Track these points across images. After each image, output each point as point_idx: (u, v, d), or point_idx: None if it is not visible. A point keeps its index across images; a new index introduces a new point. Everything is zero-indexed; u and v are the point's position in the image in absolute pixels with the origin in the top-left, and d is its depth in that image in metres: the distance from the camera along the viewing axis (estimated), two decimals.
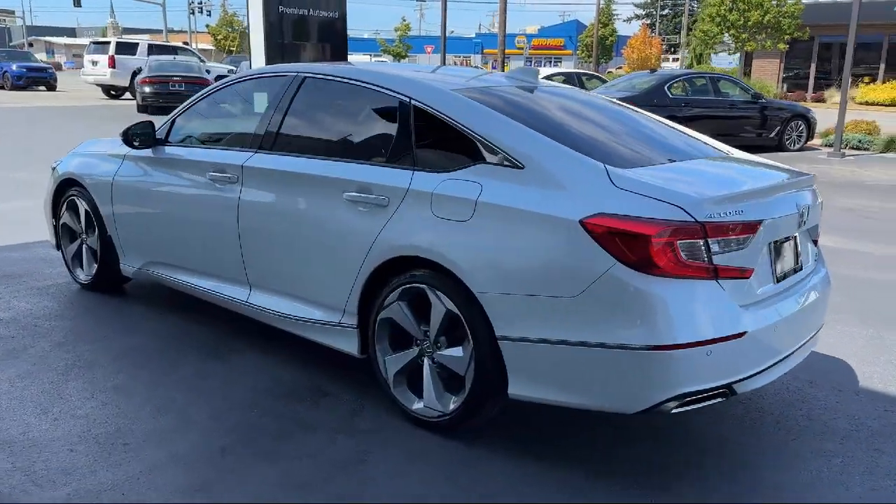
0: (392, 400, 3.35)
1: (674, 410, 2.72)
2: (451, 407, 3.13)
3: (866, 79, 32.29)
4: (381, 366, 3.37)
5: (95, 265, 4.96)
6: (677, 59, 61.88)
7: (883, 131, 15.91)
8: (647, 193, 2.71)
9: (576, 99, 3.84)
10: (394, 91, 3.44)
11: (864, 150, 15.11)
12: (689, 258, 2.65)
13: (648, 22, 73.29)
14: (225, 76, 26.25)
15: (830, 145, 14.70)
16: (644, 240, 2.61)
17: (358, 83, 3.62)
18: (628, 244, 2.64)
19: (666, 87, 13.33)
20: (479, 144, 3.09)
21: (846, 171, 12.53)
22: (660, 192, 2.71)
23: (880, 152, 14.99)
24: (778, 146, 14.37)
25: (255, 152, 3.86)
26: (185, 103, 4.43)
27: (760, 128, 14.16)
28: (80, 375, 3.69)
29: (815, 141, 15.67)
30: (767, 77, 32.53)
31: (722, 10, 25.18)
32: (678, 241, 2.63)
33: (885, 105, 28.36)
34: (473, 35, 72.95)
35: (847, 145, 15.09)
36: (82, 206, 4.92)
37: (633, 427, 3.29)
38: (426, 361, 3.22)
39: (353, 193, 3.34)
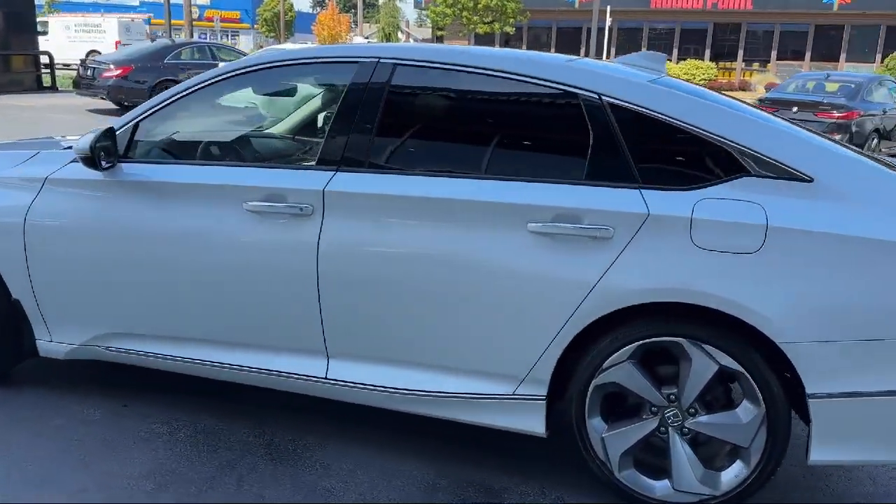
0: (614, 487, 2.59)
1: None
2: (725, 486, 2.50)
3: None
4: (594, 446, 2.59)
5: None
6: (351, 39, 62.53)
7: None
8: None
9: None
10: (569, 85, 2.61)
11: None
12: None
13: None
14: None
15: None
16: None
17: (498, 74, 2.69)
18: None
19: None
20: (734, 153, 2.45)
21: None
22: None
23: None
24: None
25: (338, 170, 2.72)
26: (155, 100, 3.01)
27: None
28: None
29: None
30: None
31: None
32: None
33: None
34: (138, 3, 65.98)
35: None
36: None
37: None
38: (673, 433, 2.52)
39: (549, 224, 2.48)
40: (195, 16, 57.84)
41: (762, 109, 2.99)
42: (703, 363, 2.42)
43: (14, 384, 3.33)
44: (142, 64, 14.48)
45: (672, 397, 2.51)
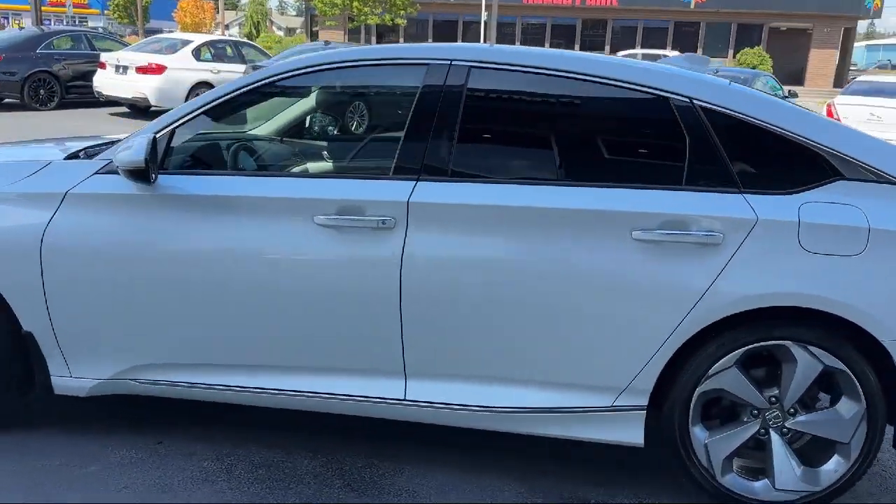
0: (716, 491, 2.59)
1: None
2: (825, 482, 2.56)
3: None
4: (697, 452, 2.58)
5: None
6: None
7: None
8: None
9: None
10: (659, 89, 2.57)
11: None
12: None
13: None
14: None
15: None
16: None
17: (583, 77, 2.62)
18: None
19: None
20: (828, 158, 2.51)
21: None
22: None
23: None
24: None
25: (418, 180, 2.56)
26: (195, 104, 2.71)
27: None
28: None
29: None
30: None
31: None
32: None
33: None
34: None
35: None
36: None
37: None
38: (773, 434, 2.55)
39: (656, 231, 2.44)
40: None
41: None
42: (809, 364, 2.47)
43: (19, 429, 2.92)
44: (10, 54, 13.21)
45: (773, 399, 2.54)
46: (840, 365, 2.46)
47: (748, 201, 2.45)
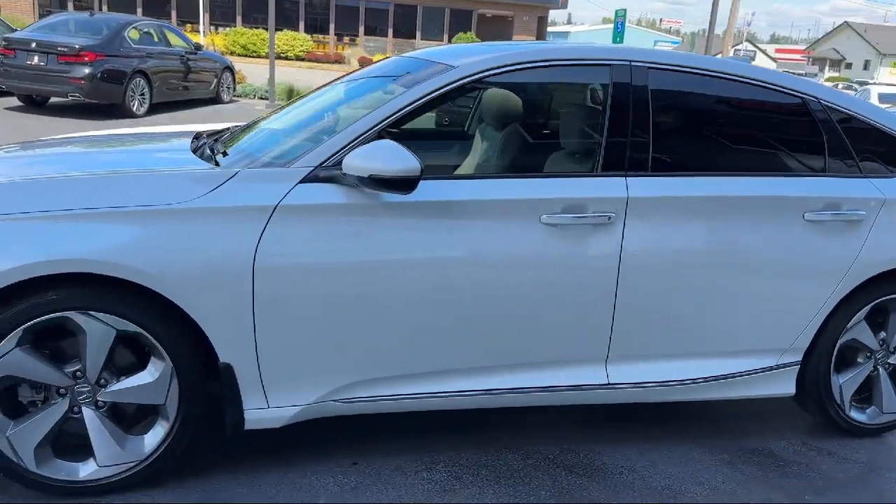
0: (844, 423, 3.17)
1: None
2: None
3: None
4: (835, 394, 3.12)
5: (158, 430, 2.43)
6: None
7: (249, 80, 16.96)
8: None
9: None
10: (797, 91, 3.03)
11: (266, 98, 15.92)
12: None
13: None
14: None
15: (263, 97, 15.34)
16: None
17: (741, 79, 2.96)
18: None
19: (126, 35, 11.47)
20: None
21: None
22: None
23: (286, 100, 16.25)
24: (214, 98, 14.10)
25: (626, 176, 2.73)
26: (388, 108, 2.54)
27: (203, 80, 13.57)
28: None
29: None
30: (20, 13, 29.70)
31: None
32: None
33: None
34: None
35: (256, 96, 15.93)
36: (98, 331, 2.29)
37: None
38: (882, 371, 3.18)
39: (821, 212, 2.90)
40: None
41: None
42: None
43: (196, 472, 2.55)
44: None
45: (882, 342, 3.16)
46: None
47: (874, 184, 3.01)
